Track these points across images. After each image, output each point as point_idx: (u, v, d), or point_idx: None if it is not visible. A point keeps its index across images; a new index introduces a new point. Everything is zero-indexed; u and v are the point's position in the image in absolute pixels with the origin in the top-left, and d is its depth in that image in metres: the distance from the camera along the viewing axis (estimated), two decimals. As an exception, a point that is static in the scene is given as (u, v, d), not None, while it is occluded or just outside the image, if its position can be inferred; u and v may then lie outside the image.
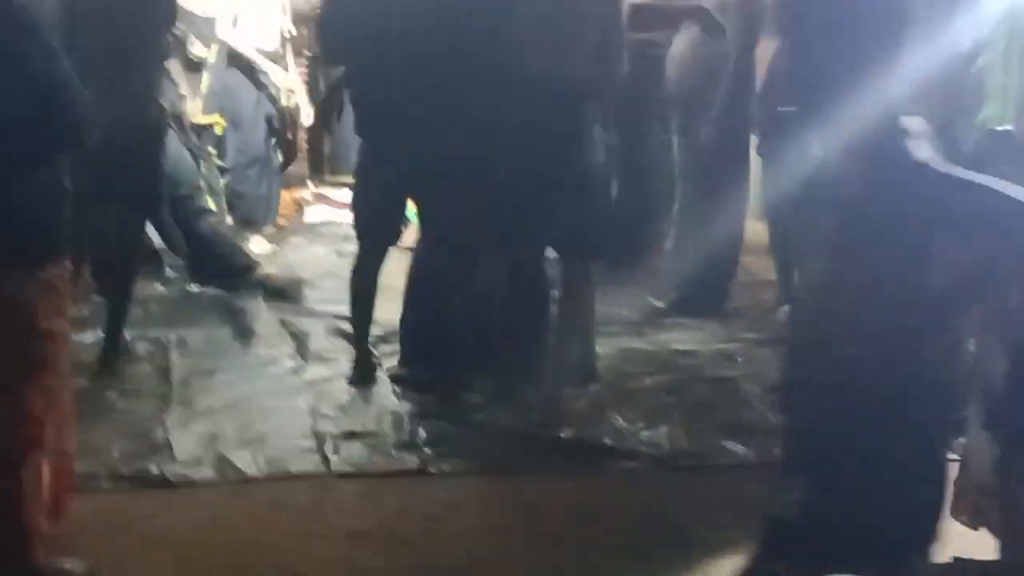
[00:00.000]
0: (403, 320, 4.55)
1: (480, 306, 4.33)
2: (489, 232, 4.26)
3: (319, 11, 4.68)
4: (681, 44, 5.30)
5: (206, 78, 5.82)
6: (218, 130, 5.92)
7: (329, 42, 4.58)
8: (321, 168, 7.64)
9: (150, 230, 5.30)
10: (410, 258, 4.65)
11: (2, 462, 2.82)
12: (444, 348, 4.41)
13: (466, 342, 4.37)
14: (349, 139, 6.91)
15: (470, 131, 4.12)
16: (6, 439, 2.82)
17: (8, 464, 2.82)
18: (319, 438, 4.02)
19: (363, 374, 4.50)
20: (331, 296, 5.36)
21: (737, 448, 4.04)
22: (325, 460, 3.87)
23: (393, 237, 4.57)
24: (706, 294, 5.43)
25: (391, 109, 4.22)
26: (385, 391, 4.45)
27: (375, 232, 4.47)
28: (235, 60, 6.01)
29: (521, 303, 4.35)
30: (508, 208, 4.19)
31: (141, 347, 4.75)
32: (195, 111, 5.69)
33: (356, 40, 4.25)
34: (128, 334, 4.73)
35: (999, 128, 3.12)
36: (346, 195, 7.10)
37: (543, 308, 4.44)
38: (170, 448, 3.88)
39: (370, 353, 4.58)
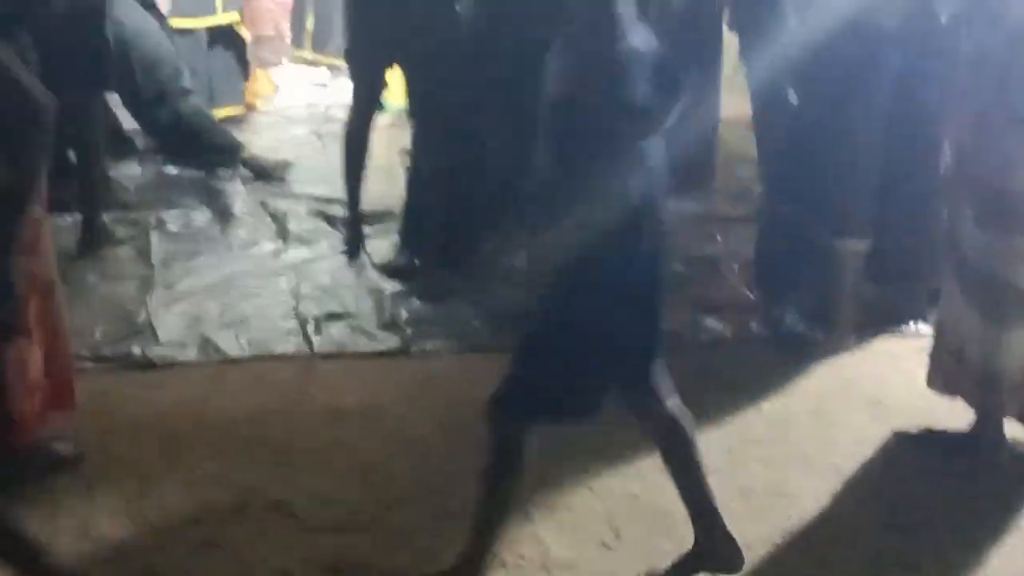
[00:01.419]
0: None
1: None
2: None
3: None
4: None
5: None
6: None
7: None
8: (302, 45, 7.48)
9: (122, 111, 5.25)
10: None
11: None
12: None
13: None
14: (333, 16, 6.90)
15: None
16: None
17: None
18: (301, 319, 4.06)
19: (352, 244, 4.55)
20: (312, 178, 5.37)
21: (715, 325, 4.10)
22: (307, 340, 3.92)
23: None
24: (690, 170, 5.41)
25: None
26: (367, 272, 4.48)
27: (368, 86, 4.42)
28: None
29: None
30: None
31: (121, 230, 4.74)
32: None
33: None
34: (107, 217, 4.72)
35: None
36: (325, 75, 7.11)
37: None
38: (153, 330, 3.93)
39: (359, 221, 4.59)
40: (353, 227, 4.57)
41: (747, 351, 3.94)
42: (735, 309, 4.21)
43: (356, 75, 4.48)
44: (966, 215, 3.11)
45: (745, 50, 5.18)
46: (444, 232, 4.42)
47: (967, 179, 3.13)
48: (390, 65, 4.40)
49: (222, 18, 5.86)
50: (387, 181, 5.03)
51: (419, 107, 4.43)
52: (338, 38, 6.64)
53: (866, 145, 3.75)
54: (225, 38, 5.97)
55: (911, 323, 4.00)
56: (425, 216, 4.45)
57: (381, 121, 4.91)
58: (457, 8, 4.21)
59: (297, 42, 7.17)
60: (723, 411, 3.53)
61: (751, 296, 4.26)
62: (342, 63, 5.43)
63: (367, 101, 4.45)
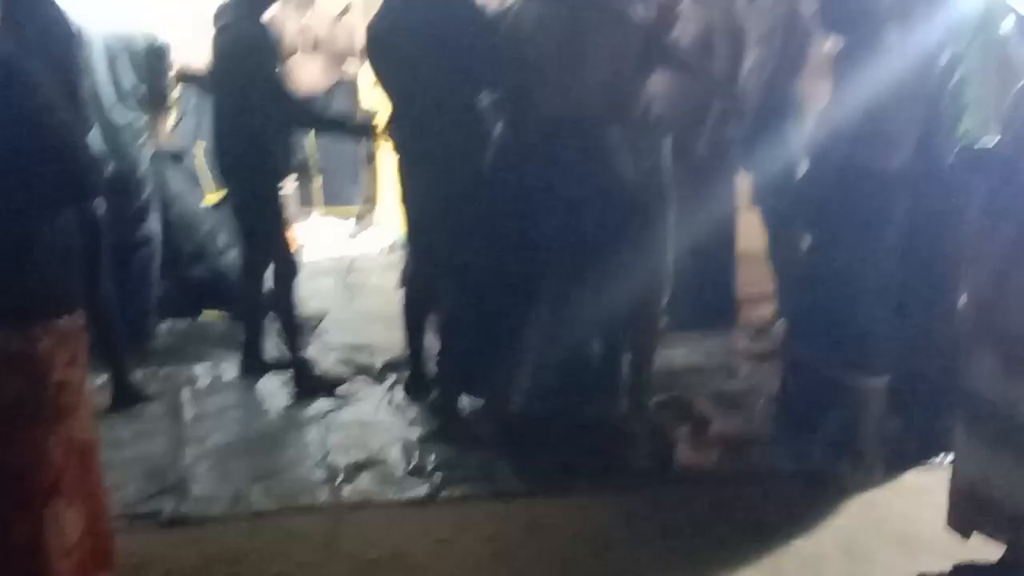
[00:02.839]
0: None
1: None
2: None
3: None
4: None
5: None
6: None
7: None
8: (310, 202, 7.70)
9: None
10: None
11: (22, 513, 2.89)
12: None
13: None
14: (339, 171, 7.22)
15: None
16: (26, 488, 2.90)
17: (28, 515, 2.89)
18: (331, 469, 4.10)
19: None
20: (341, 327, 5.55)
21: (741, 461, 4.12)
22: (336, 491, 3.95)
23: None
24: (712, 307, 5.51)
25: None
26: (393, 419, 4.53)
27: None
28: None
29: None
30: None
31: (152, 386, 4.82)
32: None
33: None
34: (138, 372, 4.82)
35: (976, 146, 3.21)
36: (344, 226, 7.37)
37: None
38: (185, 486, 3.97)
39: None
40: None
41: (774, 488, 3.93)
42: (760, 445, 4.22)
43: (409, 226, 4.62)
44: (990, 362, 3.13)
45: (758, 191, 5.34)
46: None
47: (990, 328, 3.15)
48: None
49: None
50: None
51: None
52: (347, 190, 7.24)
53: (881, 283, 3.82)
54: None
55: (940, 456, 3.99)
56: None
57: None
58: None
59: (305, 201, 7.43)
60: (753, 550, 3.53)
61: (776, 432, 4.27)
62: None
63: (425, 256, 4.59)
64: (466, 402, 4.53)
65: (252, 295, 5.02)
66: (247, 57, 4.56)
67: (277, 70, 4.71)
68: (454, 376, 4.50)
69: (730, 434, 4.33)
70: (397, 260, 6.78)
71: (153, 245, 5.30)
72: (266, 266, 4.89)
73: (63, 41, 4.20)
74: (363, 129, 5.36)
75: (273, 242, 4.78)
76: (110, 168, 4.88)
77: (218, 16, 4.74)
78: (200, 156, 5.97)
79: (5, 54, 2.84)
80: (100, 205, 4.31)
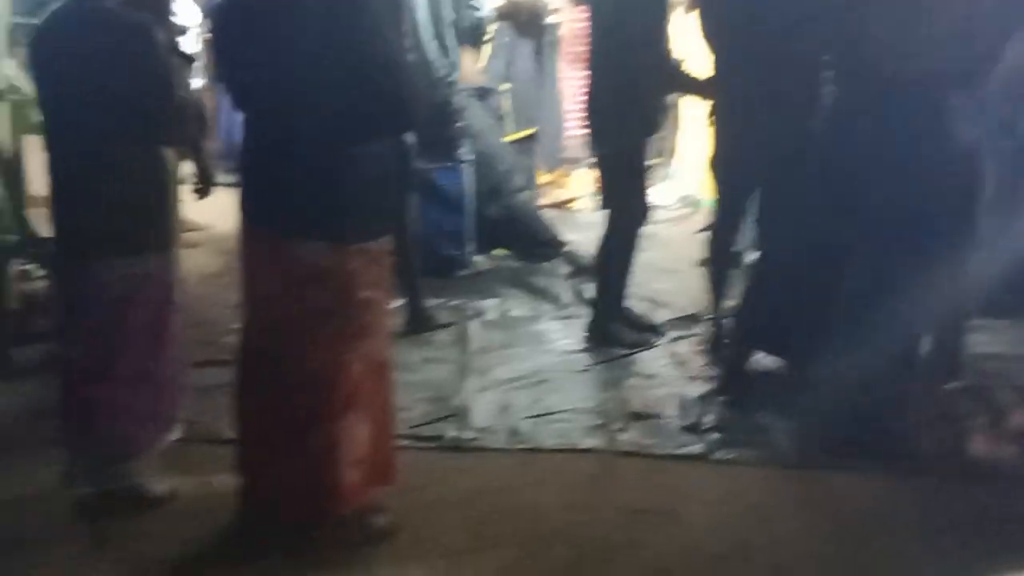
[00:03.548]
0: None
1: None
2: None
3: None
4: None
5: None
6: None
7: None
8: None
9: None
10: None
11: (320, 420, 3.08)
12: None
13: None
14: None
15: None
16: (324, 399, 3.08)
17: (325, 422, 3.08)
18: (607, 415, 4.13)
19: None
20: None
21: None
22: (611, 437, 3.98)
23: None
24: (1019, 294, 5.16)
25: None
26: (674, 373, 4.51)
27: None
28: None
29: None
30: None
31: (444, 315, 5.01)
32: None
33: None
34: (432, 302, 5.01)
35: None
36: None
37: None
38: (466, 414, 4.11)
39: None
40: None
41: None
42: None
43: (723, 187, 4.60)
44: None
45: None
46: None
47: None
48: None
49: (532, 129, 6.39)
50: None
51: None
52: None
53: None
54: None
55: None
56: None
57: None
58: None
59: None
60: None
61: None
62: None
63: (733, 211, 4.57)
64: (758, 362, 4.44)
65: (610, 254, 4.85)
66: (635, 7, 4.47)
67: (661, 25, 4.58)
68: (753, 333, 4.41)
69: (1028, 429, 4.06)
70: (688, 213, 6.76)
71: (466, 174, 5.45)
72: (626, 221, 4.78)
73: None
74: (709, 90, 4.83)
75: (634, 195, 4.73)
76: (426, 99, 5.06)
77: None
78: (506, 96, 6.13)
79: None
80: (411, 135, 4.46)
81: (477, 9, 5.35)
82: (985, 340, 4.87)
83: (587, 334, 4.81)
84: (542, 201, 6.65)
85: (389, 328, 3.31)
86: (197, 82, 6.36)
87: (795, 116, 4.13)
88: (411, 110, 3.11)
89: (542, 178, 6.84)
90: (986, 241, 5.02)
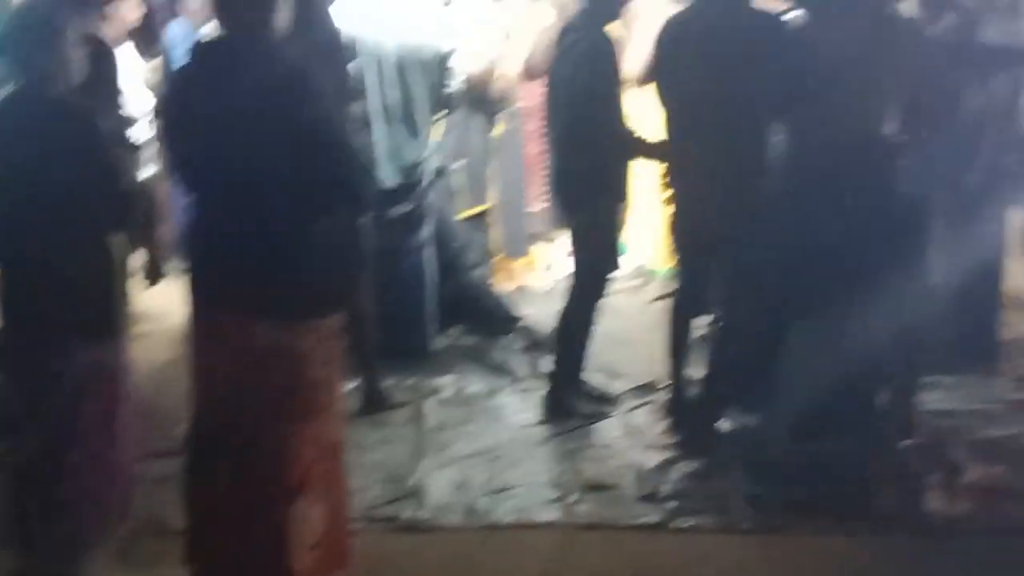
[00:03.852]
0: None
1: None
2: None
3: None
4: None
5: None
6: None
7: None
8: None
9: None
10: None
11: (272, 504, 3.04)
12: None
13: None
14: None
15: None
16: (277, 482, 3.04)
17: (277, 506, 3.04)
18: (564, 488, 4.11)
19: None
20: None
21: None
22: (568, 511, 3.95)
23: None
24: (974, 351, 5.22)
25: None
26: (630, 443, 4.50)
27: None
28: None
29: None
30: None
31: (398, 394, 4.98)
32: None
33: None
34: (387, 381, 4.99)
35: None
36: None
37: None
38: (422, 494, 4.07)
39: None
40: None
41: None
42: (1019, 498, 3.96)
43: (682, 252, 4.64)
44: None
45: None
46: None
47: None
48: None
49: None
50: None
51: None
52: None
53: None
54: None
55: None
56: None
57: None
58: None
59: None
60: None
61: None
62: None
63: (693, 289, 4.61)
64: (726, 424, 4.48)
65: (571, 325, 4.82)
66: (597, 72, 4.47)
67: (617, 93, 4.57)
68: (722, 394, 4.44)
69: (985, 484, 4.08)
70: (642, 283, 6.79)
71: (427, 253, 5.45)
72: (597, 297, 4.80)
73: (337, 57, 4.43)
74: (666, 153, 4.73)
75: (598, 269, 4.74)
76: (394, 177, 5.12)
77: (567, 31, 4.66)
78: (459, 172, 6.16)
79: (297, 61, 3.03)
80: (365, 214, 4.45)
81: (449, 85, 5.37)
82: (938, 397, 4.91)
83: (544, 407, 4.81)
84: (509, 284, 6.67)
85: (343, 408, 3.29)
86: (149, 169, 6.36)
87: (748, 177, 4.20)
88: (362, 191, 3.14)
89: (509, 263, 6.81)
90: (935, 297, 5.11)
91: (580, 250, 4.74)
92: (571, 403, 4.78)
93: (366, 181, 3.12)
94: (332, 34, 4.51)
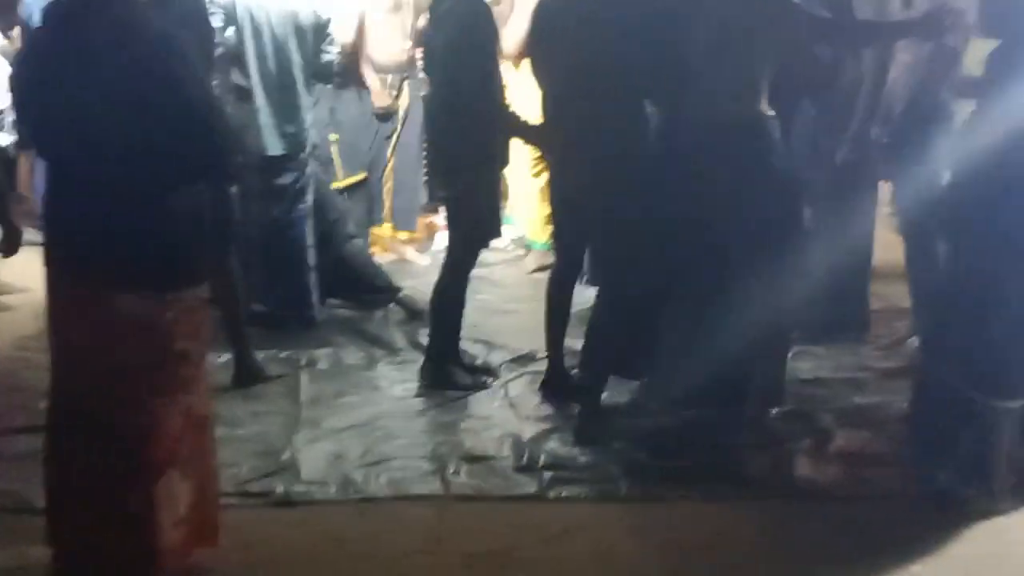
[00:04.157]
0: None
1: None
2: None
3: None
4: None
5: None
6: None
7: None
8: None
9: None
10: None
11: (137, 480, 2.95)
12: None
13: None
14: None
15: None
16: (142, 457, 2.95)
17: (143, 482, 2.95)
18: (440, 460, 4.08)
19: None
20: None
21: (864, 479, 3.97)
22: (444, 482, 3.93)
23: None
24: (845, 321, 5.35)
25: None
26: (506, 414, 4.50)
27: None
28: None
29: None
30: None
31: (273, 367, 4.90)
32: None
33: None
34: (260, 354, 4.89)
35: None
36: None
37: None
38: (296, 467, 4.00)
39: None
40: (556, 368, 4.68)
41: (897, 509, 3.77)
42: (884, 464, 4.06)
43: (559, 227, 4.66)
44: None
45: (899, 201, 5.15)
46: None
47: None
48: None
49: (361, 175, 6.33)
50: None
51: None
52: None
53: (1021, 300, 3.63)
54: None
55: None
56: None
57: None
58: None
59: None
60: (871, 571, 3.39)
61: (902, 451, 4.10)
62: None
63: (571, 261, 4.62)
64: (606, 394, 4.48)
65: (452, 295, 4.77)
66: (475, 38, 4.38)
67: (495, 68, 4.50)
68: (604, 362, 4.44)
69: (852, 451, 4.18)
70: (521, 255, 6.79)
71: (309, 223, 5.35)
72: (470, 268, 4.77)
73: (202, 26, 4.31)
74: (541, 136, 4.71)
75: (475, 239, 4.70)
76: (277, 147, 5.05)
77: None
78: (333, 144, 6.07)
79: (162, 27, 2.92)
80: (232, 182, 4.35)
81: (329, 52, 5.29)
82: (809, 366, 5.02)
83: (421, 378, 4.77)
84: (393, 255, 6.62)
85: (209, 380, 3.20)
86: (4, 139, 6.13)
87: (623, 152, 4.19)
88: (225, 158, 3.05)
89: (397, 235, 6.74)
90: (806, 268, 5.22)
91: (457, 220, 4.70)
92: (448, 374, 4.74)
93: (230, 151, 3.01)
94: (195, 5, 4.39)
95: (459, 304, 4.78)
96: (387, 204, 6.56)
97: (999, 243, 3.60)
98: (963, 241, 3.79)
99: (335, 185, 6.02)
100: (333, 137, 6.10)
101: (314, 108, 5.70)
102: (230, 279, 4.59)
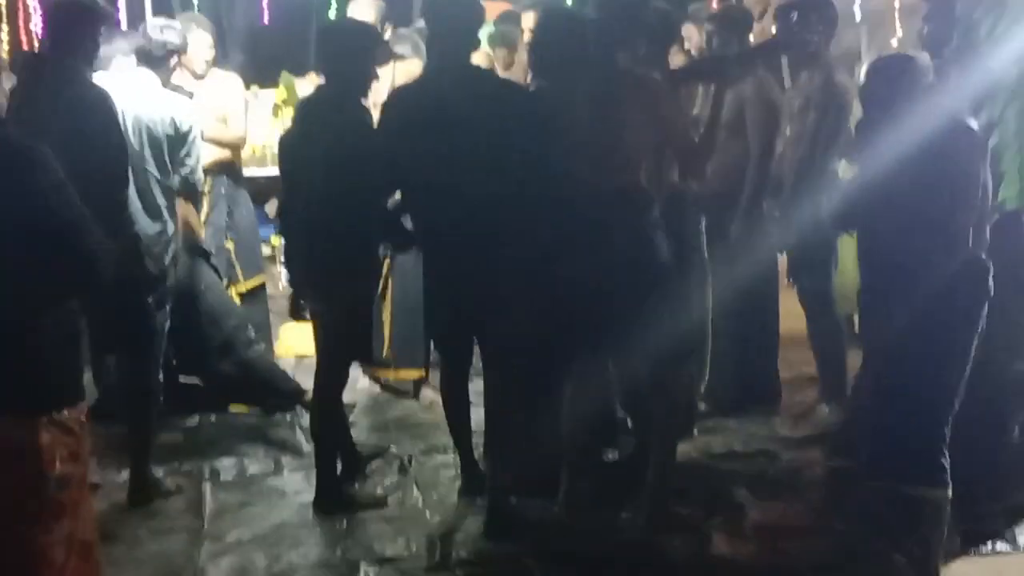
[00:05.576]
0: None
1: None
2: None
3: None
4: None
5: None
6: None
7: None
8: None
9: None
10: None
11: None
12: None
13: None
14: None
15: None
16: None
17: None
18: (350, 565, 3.95)
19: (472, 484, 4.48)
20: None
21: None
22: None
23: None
24: (755, 392, 5.36)
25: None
26: (415, 512, 4.39)
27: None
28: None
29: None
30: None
31: (172, 481, 4.73)
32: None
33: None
34: (160, 468, 4.73)
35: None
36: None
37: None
38: (201, 584, 3.84)
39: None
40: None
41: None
42: (805, 535, 4.02)
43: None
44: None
45: (795, 269, 5.19)
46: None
47: None
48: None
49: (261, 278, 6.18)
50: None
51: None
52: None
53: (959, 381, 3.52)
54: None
55: (987, 546, 3.78)
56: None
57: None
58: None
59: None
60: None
61: (819, 521, 4.06)
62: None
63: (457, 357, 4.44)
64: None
65: (332, 413, 4.55)
66: (357, 147, 4.17)
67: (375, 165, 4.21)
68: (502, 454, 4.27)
69: (769, 524, 4.13)
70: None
71: (157, 340, 5.05)
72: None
73: (101, 124, 4.19)
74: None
75: (349, 355, 4.55)
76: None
77: (306, 106, 4.45)
78: (231, 248, 5.96)
79: (15, 135, 2.81)
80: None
81: (187, 165, 5.01)
82: (720, 439, 5.00)
83: (318, 502, 4.46)
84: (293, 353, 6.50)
85: (91, 505, 3.04)
86: None
87: (497, 252, 4.05)
88: (96, 268, 2.93)
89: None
90: (712, 340, 5.21)
91: (332, 336, 4.44)
92: (347, 491, 4.57)
93: (100, 265, 2.88)
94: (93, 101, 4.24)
95: (342, 422, 4.69)
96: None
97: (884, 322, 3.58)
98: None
99: (238, 289, 5.91)
100: (229, 244, 5.96)
101: (214, 212, 5.63)
102: (148, 397, 4.53)
